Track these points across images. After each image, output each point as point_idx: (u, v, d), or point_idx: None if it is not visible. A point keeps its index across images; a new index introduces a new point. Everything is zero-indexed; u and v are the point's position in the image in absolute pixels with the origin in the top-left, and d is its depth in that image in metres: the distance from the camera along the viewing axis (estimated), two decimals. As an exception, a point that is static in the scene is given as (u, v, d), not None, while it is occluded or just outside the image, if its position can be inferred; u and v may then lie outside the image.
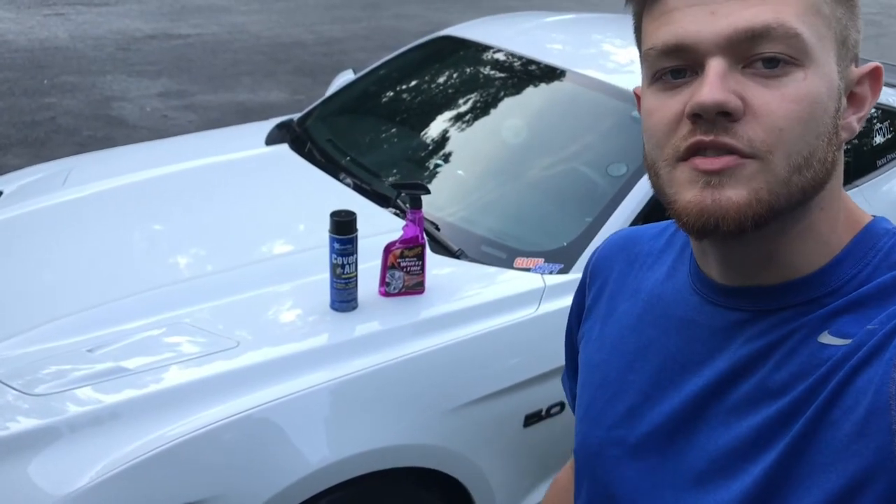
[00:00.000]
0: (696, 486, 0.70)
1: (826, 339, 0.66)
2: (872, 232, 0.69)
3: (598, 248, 0.92)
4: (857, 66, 0.68)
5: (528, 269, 2.06)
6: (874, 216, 0.72)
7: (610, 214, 2.12)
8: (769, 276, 0.69)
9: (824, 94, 0.63)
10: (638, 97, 0.72)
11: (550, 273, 2.05)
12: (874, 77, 0.68)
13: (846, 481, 0.61)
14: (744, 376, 0.69)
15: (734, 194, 0.62)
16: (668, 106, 0.66)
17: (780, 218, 0.65)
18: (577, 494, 0.88)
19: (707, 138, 0.62)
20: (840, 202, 0.70)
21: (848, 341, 0.64)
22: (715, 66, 0.62)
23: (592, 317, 0.88)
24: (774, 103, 0.62)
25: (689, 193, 0.64)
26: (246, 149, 2.79)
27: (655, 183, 0.69)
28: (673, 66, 0.66)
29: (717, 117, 0.62)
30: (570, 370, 0.95)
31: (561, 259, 2.08)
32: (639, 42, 0.71)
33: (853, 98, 0.68)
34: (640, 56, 0.70)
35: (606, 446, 0.79)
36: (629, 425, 0.77)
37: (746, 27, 0.62)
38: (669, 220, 0.74)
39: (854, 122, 0.68)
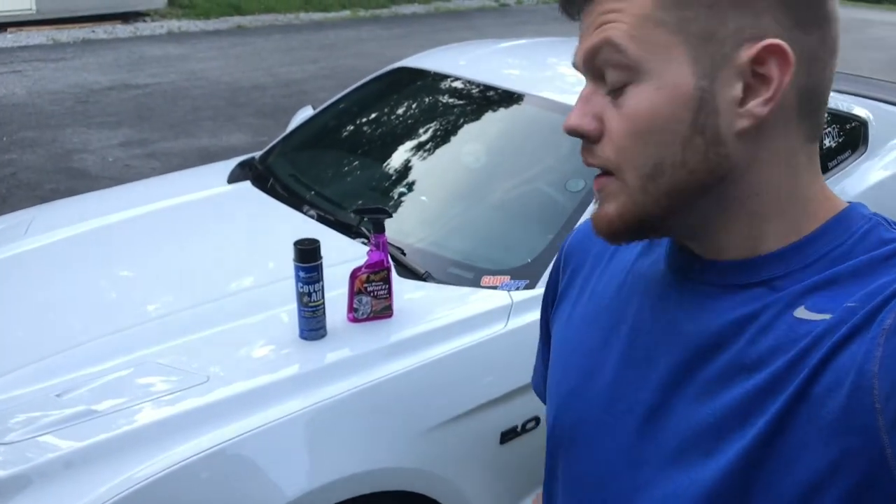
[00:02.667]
0: (673, 464, 0.70)
1: (802, 313, 0.65)
2: (848, 216, 0.69)
3: (572, 232, 0.93)
4: (753, 47, 0.64)
5: (494, 287, 2.08)
6: (851, 202, 0.72)
7: (571, 228, 2.15)
8: (739, 252, 0.70)
9: (661, 105, 0.65)
10: None
11: (517, 289, 2.07)
12: (773, 53, 0.64)
13: (830, 460, 0.60)
14: (717, 351, 0.69)
15: (608, 208, 0.70)
16: None
17: (667, 219, 0.69)
18: (550, 477, 0.87)
19: (583, 157, 0.71)
20: (796, 188, 0.69)
21: (827, 316, 0.63)
22: (583, 89, 0.70)
23: (566, 300, 0.88)
24: (615, 122, 0.67)
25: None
26: (208, 188, 2.80)
27: None
28: None
29: (583, 139, 0.69)
30: (544, 355, 0.96)
31: (526, 275, 2.10)
32: None
33: (758, 80, 0.65)
34: None
35: (580, 424, 0.79)
36: (603, 403, 0.77)
37: (586, 50, 0.68)
38: None
39: (757, 106, 0.65)
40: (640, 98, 0.66)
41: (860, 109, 3.05)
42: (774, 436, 0.63)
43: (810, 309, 0.65)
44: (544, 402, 0.96)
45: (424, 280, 2.14)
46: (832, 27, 0.68)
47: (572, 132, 0.69)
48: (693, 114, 0.65)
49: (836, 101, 2.99)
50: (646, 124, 0.66)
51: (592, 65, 0.68)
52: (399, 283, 2.03)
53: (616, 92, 0.67)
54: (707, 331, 0.70)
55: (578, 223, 2.12)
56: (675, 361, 0.72)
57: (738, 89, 0.65)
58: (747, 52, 0.64)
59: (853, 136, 2.98)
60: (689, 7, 0.65)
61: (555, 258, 0.95)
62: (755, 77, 0.65)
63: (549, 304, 0.93)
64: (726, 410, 0.67)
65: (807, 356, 0.63)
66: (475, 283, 2.10)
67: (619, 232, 0.71)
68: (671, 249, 0.76)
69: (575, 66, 0.72)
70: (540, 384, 0.99)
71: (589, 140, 0.69)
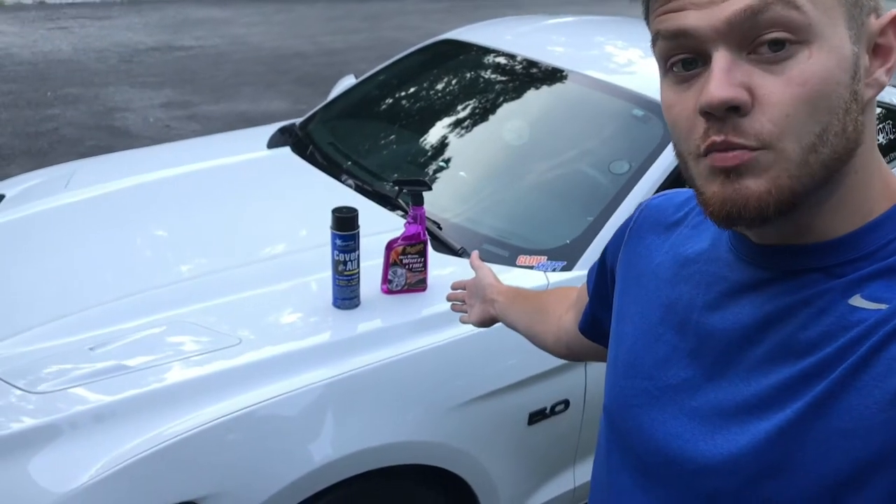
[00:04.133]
0: (708, 439, 0.71)
1: (858, 301, 0.64)
2: None
3: (645, 203, 0.93)
4: (878, 17, 0.66)
5: (531, 267, 2.05)
6: None
7: (613, 212, 2.11)
8: (803, 238, 0.69)
9: (833, 69, 0.62)
10: None
11: (553, 271, 2.04)
12: (894, 24, 0.66)
13: (873, 451, 0.60)
14: (769, 332, 0.69)
15: (753, 184, 0.63)
16: (683, 101, 0.67)
17: (810, 196, 0.65)
18: (600, 447, 0.88)
19: (718, 139, 0.63)
20: (875, 165, 0.68)
21: (882, 306, 0.63)
22: (719, 59, 0.63)
23: (628, 271, 0.89)
24: (779, 90, 0.62)
25: (712, 187, 0.65)
26: (248, 152, 2.79)
27: (686, 173, 0.70)
28: (681, 56, 0.66)
29: (727, 113, 0.62)
30: (592, 305, 1.05)
31: (563, 257, 2.07)
32: (648, 23, 0.71)
33: (878, 50, 0.66)
34: (651, 39, 0.70)
35: (631, 397, 0.80)
36: (654, 376, 0.78)
37: (745, 6, 0.61)
38: None
39: (882, 75, 0.66)
40: (812, 61, 0.62)
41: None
42: (812, 418, 0.63)
43: (866, 298, 0.64)
44: (593, 340, 1.07)
45: (459, 255, 2.11)
46: None
47: (722, 106, 0.62)
48: (851, 79, 0.63)
49: (892, 96, 2.90)
50: (819, 89, 0.62)
51: (750, 25, 0.62)
52: (434, 257, 2.01)
53: (773, 56, 0.62)
54: (760, 313, 0.70)
55: (605, 227, 2.10)
56: (726, 341, 0.72)
57: (867, 58, 0.65)
58: (877, 22, 0.65)
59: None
60: None
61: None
62: (875, 48, 0.66)
63: (608, 267, 0.96)
64: (771, 391, 0.67)
65: (857, 344, 0.62)
66: (511, 262, 2.08)
67: (768, 211, 0.64)
68: (732, 233, 0.76)
69: (693, 30, 0.64)
70: (585, 328, 1.08)
71: (739, 113, 0.63)
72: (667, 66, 0.68)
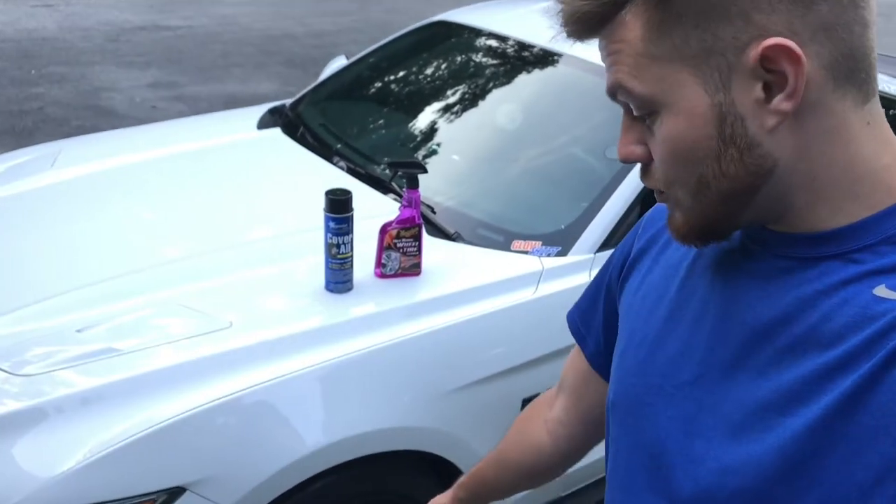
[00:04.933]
0: (730, 437, 0.68)
1: (883, 292, 0.63)
2: None
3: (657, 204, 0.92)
4: (755, 49, 0.62)
5: (525, 252, 2.03)
6: None
7: (608, 197, 2.09)
8: (816, 225, 0.67)
9: (684, 129, 0.66)
10: None
11: (548, 256, 2.02)
12: (776, 51, 0.61)
13: None
14: (788, 325, 0.66)
15: (677, 218, 0.72)
16: None
17: (730, 219, 0.70)
18: (607, 445, 0.86)
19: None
20: (859, 158, 0.65)
21: None
22: (623, 120, 0.71)
23: (637, 269, 0.87)
24: (656, 148, 0.69)
25: None
26: (238, 132, 2.75)
27: None
28: None
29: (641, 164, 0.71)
30: (592, 298, 0.98)
31: (558, 242, 2.05)
32: None
33: (771, 82, 0.63)
34: None
35: (643, 394, 0.78)
36: (667, 373, 0.75)
37: (607, 88, 0.70)
38: None
39: (782, 103, 0.63)
40: (665, 127, 0.67)
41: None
42: (843, 416, 0.61)
43: (891, 288, 0.63)
44: (574, 335, 1.00)
45: (454, 240, 2.09)
46: None
47: (626, 162, 0.72)
48: (717, 129, 0.65)
49: (886, 85, 2.89)
50: (676, 148, 0.67)
51: (616, 97, 0.70)
52: (427, 242, 1.98)
53: (647, 120, 0.69)
54: (779, 304, 0.68)
55: (600, 212, 2.07)
56: (743, 334, 0.70)
57: (758, 90, 0.63)
58: (752, 56, 0.62)
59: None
60: (675, 34, 0.64)
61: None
62: (771, 73, 0.62)
63: (618, 266, 0.91)
64: (793, 385, 0.65)
65: (885, 337, 0.61)
66: (505, 247, 2.05)
67: (689, 238, 0.72)
68: (747, 226, 0.74)
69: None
70: (574, 321, 1.01)
71: (643, 164, 0.71)
72: None
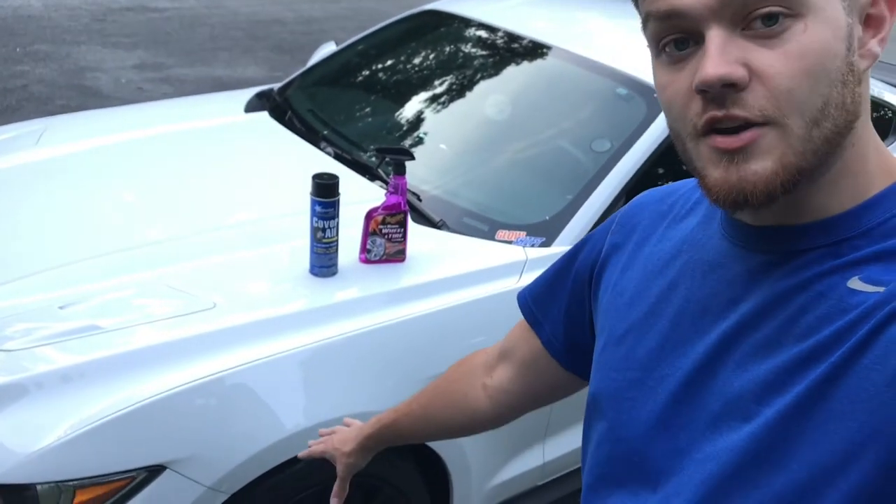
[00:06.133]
0: (710, 429, 0.69)
1: (856, 284, 0.63)
2: None
3: (631, 200, 0.91)
4: None
5: (510, 242, 2.04)
6: None
7: (593, 189, 2.11)
8: (800, 217, 0.68)
9: (830, 40, 0.61)
10: None
11: (532, 246, 2.03)
12: None
13: (869, 432, 0.59)
14: (767, 318, 0.67)
15: (759, 167, 0.62)
16: (677, 81, 0.65)
17: (814, 172, 0.64)
18: (586, 439, 0.86)
19: (719, 113, 0.62)
20: (871, 139, 0.68)
21: (880, 289, 0.62)
22: (713, 37, 0.62)
23: (609, 267, 0.87)
24: (778, 64, 0.61)
25: (715, 171, 0.64)
26: (225, 115, 2.74)
27: (683, 155, 0.68)
28: (673, 36, 0.65)
29: (725, 90, 0.61)
30: (551, 283, 0.97)
31: (543, 233, 2.06)
32: (637, 4, 0.69)
33: (870, 20, 0.65)
34: (641, 21, 0.69)
35: (624, 388, 0.78)
36: (648, 367, 0.76)
37: None
38: None
39: (875, 45, 0.65)
40: (808, 33, 0.61)
41: (892, 96, 2.99)
42: (812, 402, 0.62)
43: (864, 280, 0.63)
44: (526, 317, 0.99)
45: (439, 228, 2.10)
46: None
47: (719, 82, 0.61)
48: (847, 50, 0.62)
49: (879, 90, 2.92)
50: (817, 60, 0.61)
51: (743, 1, 0.61)
52: (412, 229, 1.99)
53: (768, 31, 0.61)
54: (757, 299, 0.69)
55: (585, 204, 2.08)
56: (723, 328, 0.70)
57: (859, 29, 0.64)
58: None
59: (884, 125, 2.92)
60: None
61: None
62: (867, 18, 0.65)
63: (589, 261, 0.91)
64: (769, 376, 0.65)
65: (855, 327, 0.61)
66: (490, 236, 2.06)
67: (775, 191, 0.63)
68: (724, 218, 0.75)
69: (685, 9, 0.63)
70: (528, 305, 0.99)
71: (737, 89, 0.61)
72: (659, 48, 0.67)
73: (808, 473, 0.62)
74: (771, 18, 0.61)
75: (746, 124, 0.62)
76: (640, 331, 0.78)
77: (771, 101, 0.61)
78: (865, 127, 0.67)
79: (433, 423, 1.15)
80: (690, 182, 0.84)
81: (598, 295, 0.88)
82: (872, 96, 2.86)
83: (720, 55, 0.61)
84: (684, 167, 0.70)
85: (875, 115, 2.94)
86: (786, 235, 0.68)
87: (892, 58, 3.47)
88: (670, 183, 0.91)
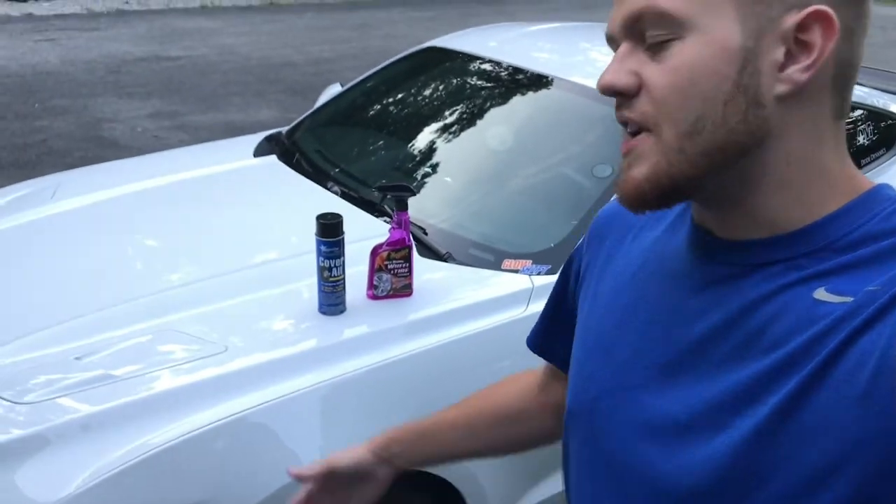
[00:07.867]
0: (679, 439, 0.70)
1: (822, 295, 0.64)
2: (874, 196, 0.68)
3: (600, 211, 0.93)
4: (800, 13, 0.65)
5: (516, 271, 2.07)
6: (879, 183, 0.70)
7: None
8: (759, 231, 0.69)
9: (706, 59, 0.65)
10: None
11: (538, 274, 2.05)
12: (818, 19, 0.64)
13: (847, 444, 0.59)
14: (733, 330, 0.68)
15: (636, 172, 0.68)
16: None
17: (695, 182, 0.68)
18: (565, 455, 0.87)
19: (618, 114, 0.70)
20: (823, 156, 0.68)
21: (847, 299, 0.63)
22: (619, 50, 0.69)
23: (589, 277, 0.88)
24: (657, 76, 0.66)
25: (620, 173, 0.72)
26: (235, 160, 2.80)
27: None
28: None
29: (620, 96, 0.68)
30: (548, 318, 1.01)
31: (549, 260, 2.09)
32: None
33: (801, 46, 0.65)
34: None
35: (597, 400, 0.79)
36: (619, 379, 0.77)
37: (628, 14, 0.68)
38: None
39: (796, 72, 0.65)
40: (686, 52, 0.66)
41: (896, 107, 2.99)
42: (787, 415, 0.63)
43: (830, 291, 0.64)
44: (546, 357, 1.03)
45: (445, 260, 2.13)
46: (868, 3, 0.68)
47: (607, 89, 0.68)
48: (737, 72, 0.65)
49: (872, 98, 2.93)
50: (690, 77, 0.65)
51: (635, 25, 0.67)
52: (419, 263, 2.02)
53: (657, 47, 0.67)
54: (723, 311, 0.70)
55: (611, 201, 2.09)
56: (690, 340, 0.72)
57: (779, 54, 0.65)
58: (793, 18, 0.64)
59: (888, 135, 2.92)
60: None
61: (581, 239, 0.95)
62: (797, 43, 0.65)
63: (572, 276, 0.94)
64: (739, 387, 0.66)
65: (825, 338, 0.62)
66: (496, 266, 2.09)
67: (646, 196, 0.68)
68: (692, 230, 0.76)
69: (610, 34, 0.71)
70: (535, 341, 1.03)
71: (625, 96, 0.68)
72: None
73: (790, 488, 0.63)
74: (657, 42, 0.67)
75: (639, 130, 0.68)
76: (612, 342, 0.80)
77: (651, 108, 0.67)
78: (809, 149, 0.68)
79: (481, 439, 1.10)
80: None
81: (582, 308, 0.90)
82: (877, 108, 2.88)
83: (616, 65, 0.68)
84: None
85: (882, 125, 2.94)
86: (749, 249, 0.70)
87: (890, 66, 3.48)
88: None
